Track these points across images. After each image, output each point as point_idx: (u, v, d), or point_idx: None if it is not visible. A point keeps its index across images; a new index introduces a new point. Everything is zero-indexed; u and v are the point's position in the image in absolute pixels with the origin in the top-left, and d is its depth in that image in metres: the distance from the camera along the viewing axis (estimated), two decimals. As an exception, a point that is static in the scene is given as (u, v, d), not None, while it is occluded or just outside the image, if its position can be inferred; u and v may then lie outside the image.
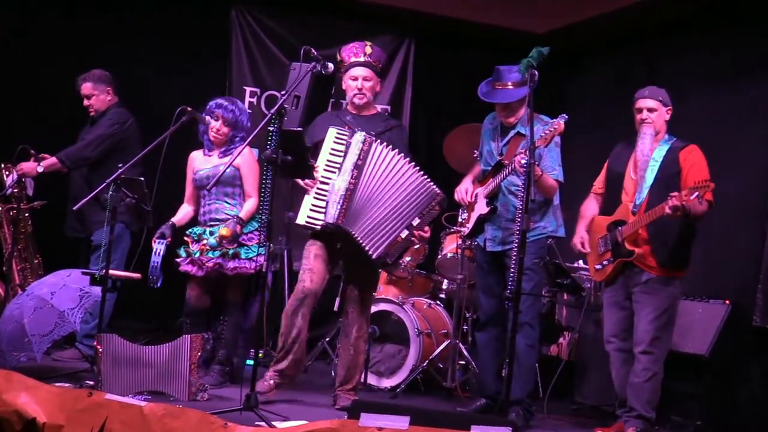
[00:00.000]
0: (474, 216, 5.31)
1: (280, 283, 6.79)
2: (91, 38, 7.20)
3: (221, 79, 7.68)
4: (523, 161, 4.62)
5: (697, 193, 4.52)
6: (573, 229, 5.33)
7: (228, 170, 5.40)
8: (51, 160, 6.08)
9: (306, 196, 5.01)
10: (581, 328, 6.11)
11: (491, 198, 5.22)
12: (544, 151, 5.05)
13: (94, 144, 6.15)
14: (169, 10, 7.49)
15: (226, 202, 5.52)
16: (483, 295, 5.39)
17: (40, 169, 6.07)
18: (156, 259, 5.37)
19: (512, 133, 5.19)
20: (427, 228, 5.24)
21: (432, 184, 5.07)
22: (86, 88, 6.29)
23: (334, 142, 5.05)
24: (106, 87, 6.31)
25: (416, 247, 6.57)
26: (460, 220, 6.20)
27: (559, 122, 4.71)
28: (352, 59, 5.23)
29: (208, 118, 5.56)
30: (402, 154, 5.05)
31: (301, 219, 5.00)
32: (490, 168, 5.26)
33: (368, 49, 5.25)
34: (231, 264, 5.39)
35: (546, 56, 4.77)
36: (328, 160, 5.02)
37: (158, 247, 5.41)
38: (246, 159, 5.49)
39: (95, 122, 6.31)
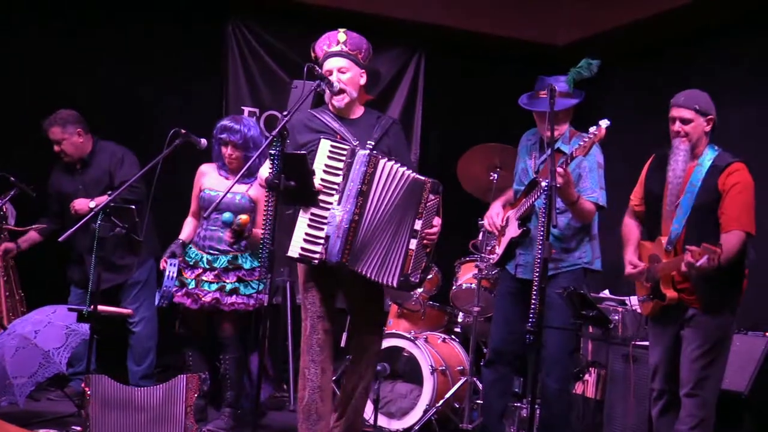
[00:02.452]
0: (505, 240, 5.18)
1: (282, 317, 6.77)
2: (86, 58, 7.25)
3: (217, 99, 7.69)
4: (543, 183, 4.48)
5: (706, 257, 4.12)
6: (611, 255, 5.14)
7: (239, 199, 5.43)
8: (102, 198, 5.93)
9: (299, 223, 4.49)
10: (609, 364, 6.05)
11: (523, 220, 5.07)
12: (585, 171, 4.95)
13: (139, 187, 6.02)
14: (162, 26, 7.51)
15: None
16: (498, 327, 5.25)
17: (92, 204, 6.01)
18: (169, 283, 5.41)
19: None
20: (436, 220, 4.67)
21: (414, 174, 4.62)
22: (55, 133, 6.14)
23: (329, 158, 4.52)
24: (76, 128, 6.16)
25: (429, 277, 6.55)
26: (487, 248, 6.11)
27: (600, 128, 4.48)
28: (325, 51, 4.75)
29: (222, 147, 5.62)
30: (406, 167, 4.62)
31: (294, 251, 4.47)
32: (523, 188, 5.13)
33: (341, 36, 4.75)
34: (229, 300, 5.38)
35: (596, 69, 4.63)
36: (324, 179, 4.49)
37: (171, 269, 5.45)
38: (262, 190, 5.28)
39: (74, 167, 6.22)
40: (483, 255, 6.16)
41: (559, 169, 4.51)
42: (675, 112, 4.60)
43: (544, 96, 4.91)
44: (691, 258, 4.18)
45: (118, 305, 6.14)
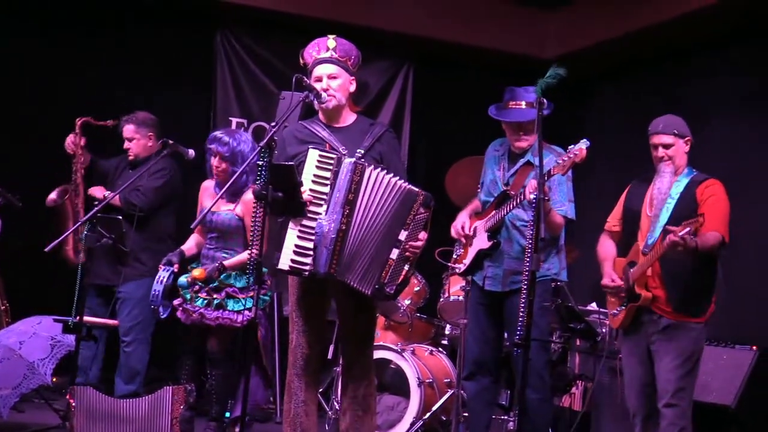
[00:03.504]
0: (473, 251, 5.16)
1: (270, 331, 6.75)
2: (70, 67, 7.24)
3: (206, 110, 7.69)
4: (532, 196, 4.47)
5: (687, 229, 4.39)
6: (598, 269, 5.20)
7: (228, 217, 5.44)
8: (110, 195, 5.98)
9: (288, 235, 4.43)
10: (596, 377, 6.06)
11: (493, 232, 5.05)
12: (554, 184, 4.94)
13: (147, 195, 6.13)
14: (149, 36, 7.52)
15: (225, 252, 5.57)
16: (475, 338, 5.23)
17: (106, 193, 6.05)
18: (157, 287, 5.42)
19: (522, 161, 5.06)
20: (422, 235, 4.54)
21: (408, 185, 4.53)
22: (128, 131, 6.33)
23: (317, 167, 4.45)
24: (149, 132, 6.34)
25: (416, 289, 6.55)
26: (454, 256, 6.13)
27: (581, 148, 4.48)
28: (314, 57, 4.68)
29: (210, 158, 5.63)
30: (397, 177, 4.54)
31: (284, 263, 4.41)
32: (492, 199, 5.12)
33: (331, 43, 4.68)
34: (214, 314, 5.41)
35: (563, 78, 4.67)
36: (312, 190, 4.43)
37: (162, 274, 5.46)
38: (249, 207, 5.36)
39: (136, 166, 6.29)
40: (449, 265, 6.16)
41: (532, 187, 4.51)
42: (656, 139, 4.87)
43: (514, 106, 5.01)
44: (673, 236, 4.40)
45: (113, 316, 6.12)
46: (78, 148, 6.29)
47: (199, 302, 5.46)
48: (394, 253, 4.49)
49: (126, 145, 6.35)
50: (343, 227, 4.42)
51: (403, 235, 4.49)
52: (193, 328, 5.54)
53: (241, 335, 5.42)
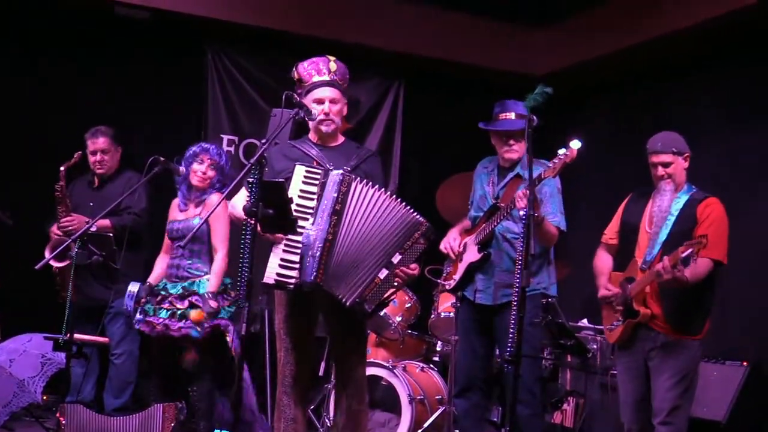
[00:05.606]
0: (462, 266, 5.16)
1: (261, 347, 6.73)
2: (60, 85, 7.24)
3: (196, 127, 7.69)
4: (521, 212, 4.48)
5: (690, 250, 4.39)
6: (590, 285, 5.17)
7: (195, 223, 5.45)
8: (104, 222, 5.95)
9: (274, 250, 4.40)
10: (588, 393, 6.06)
11: (483, 245, 5.05)
12: (546, 196, 4.98)
13: (142, 217, 6.18)
14: (139, 53, 7.53)
15: (191, 260, 5.52)
16: (465, 356, 5.23)
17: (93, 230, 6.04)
18: (129, 302, 5.41)
19: (511, 175, 5.09)
20: (414, 265, 4.52)
21: (414, 213, 4.50)
22: (103, 143, 6.31)
23: (304, 182, 4.47)
24: (118, 146, 6.36)
25: (407, 306, 6.55)
26: (444, 273, 6.11)
27: (572, 149, 4.50)
28: (315, 78, 4.66)
29: (194, 164, 5.57)
30: (383, 190, 4.55)
31: (270, 277, 4.37)
32: (482, 214, 5.14)
33: (333, 66, 4.69)
34: (178, 324, 5.34)
35: (550, 96, 4.68)
36: (299, 205, 4.42)
37: (131, 289, 5.43)
38: (209, 208, 5.37)
39: (103, 182, 6.31)
40: (439, 282, 6.15)
41: (522, 192, 4.55)
42: (655, 158, 4.86)
43: (503, 117, 5.04)
44: (671, 258, 4.43)
45: (103, 334, 6.11)
46: (61, 193, 6.22)
47: (162, 314, 5.38)
48: (383, 273, 4.45)
49: (98, 158, 6.31)
50: (330, 237, 4.41)
51: (396, 259, 4.46)
52: (156, 343, 5.47)
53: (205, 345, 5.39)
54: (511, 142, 5.05)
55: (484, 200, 5.21)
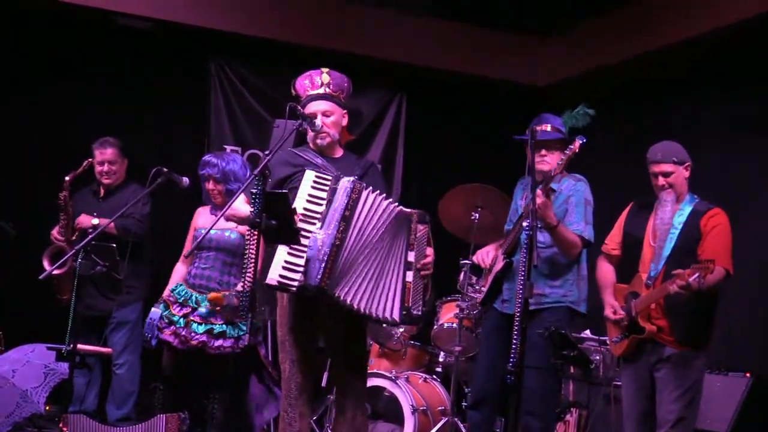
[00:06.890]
0: (491, 277, 5.17)
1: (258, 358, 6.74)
2: (64, 98, 7.27)
3: (200, 138, 7.71)
4: (524, 223, 4.43)
5: (697, 275, 4.34)
6: (592, 295, 5.14)
7: (229, 235, 5.43)
8: (107, 221, 5.89)
9: (278, 252, 4.36)
10: (591, 405, 6.05)
11: (508, 254, 5.06)
12: (571, 205, 4.98)
13: (143, 222, 6.19)
14: (144, 66, 7.56)
15: (223, 272, 5.52)
16: (482, 367, 5.23)
17: (95, 222, 6.11)
18: (152, 324, 5.40)
19: (540, 186, 5.00)
20: (429, 250, 4.62)
21: (399, 207, 4.57)
22: (111, 154, 6.34)
23: (313, 188, 4.45)
24: (125, 157, 6.39)
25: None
26: (476, 287, 6.03)
27: (575, 142, 4.60)
28: (309, 92, 4.68)
29: (204, 185, 5.63)
30: (390, 199, 4.59)
31: (273, 278, 4.31)
32: (512, 226, 5.15)
33: (325, 77, 4.68)
34: (216, 343, 5.34)
35: (593, 118, 4.68)
36: (306, 209, 4.40)
37: (155, 311, 5.43)
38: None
39: (109, 193, 6.35)
40: (465, 294, 6.14)
41: (538, 191, 4.56)
42: (656, 168, 4.82)
43: (540, 130, 4.94)
44: (681, 280, 4.36)
45: (105, 344, 6.12)
46: (64, 202, 6.26)
47: (199, 329, 5.35)
48: (409, 276, 4.50)
49: (105, 168, 6.33)
50: (338, 242, 4.38)
51: (411, 257, 4.52)
52: (182, 353, 5.43)
53: (242, 358, 5.38)
54: (543, 152, 5.01)
55: (515, 213, 5.24)
